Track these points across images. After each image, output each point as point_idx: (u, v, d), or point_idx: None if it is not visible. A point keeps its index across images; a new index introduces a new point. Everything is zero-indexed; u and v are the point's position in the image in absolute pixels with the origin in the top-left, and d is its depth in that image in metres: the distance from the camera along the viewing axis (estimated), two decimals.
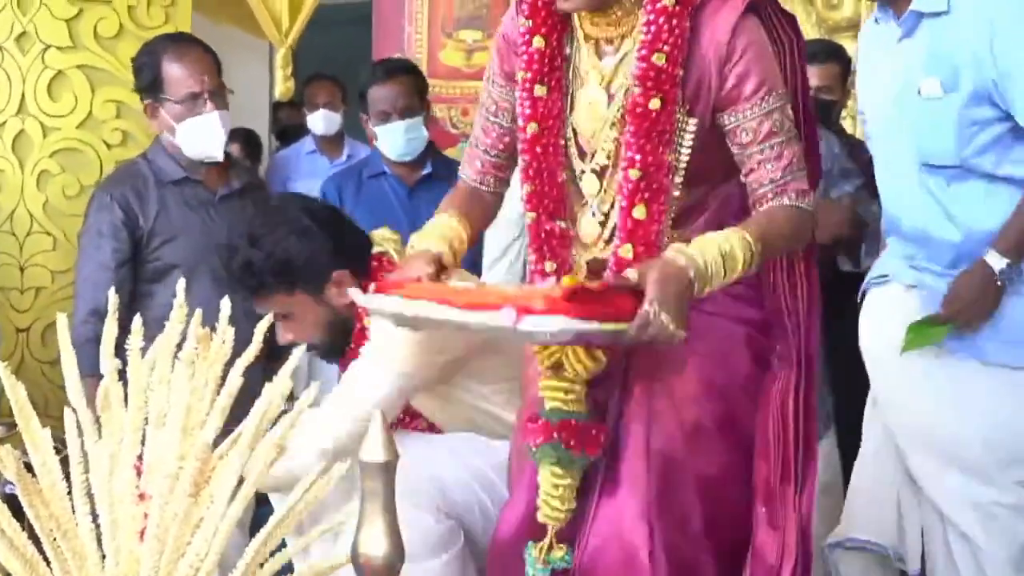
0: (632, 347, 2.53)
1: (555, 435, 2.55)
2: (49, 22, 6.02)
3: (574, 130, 2.60)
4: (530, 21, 2.56)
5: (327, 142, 7.29)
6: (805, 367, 2.69)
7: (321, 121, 7.20)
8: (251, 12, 6.60)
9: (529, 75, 2.58)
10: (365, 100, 5.52)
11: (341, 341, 3.16)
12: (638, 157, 2.46)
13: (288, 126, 9.06)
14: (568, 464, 2.53)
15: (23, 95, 5.97)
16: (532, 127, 2.58)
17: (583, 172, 2.59)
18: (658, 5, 2.46)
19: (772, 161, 2.50)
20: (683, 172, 2.53)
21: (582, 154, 2.62)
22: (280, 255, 3.04)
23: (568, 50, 2.59)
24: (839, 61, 5.10)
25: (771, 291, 2.71)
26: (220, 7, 6.75)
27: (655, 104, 2.45)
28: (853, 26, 5.82)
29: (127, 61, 6.07)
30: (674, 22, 2.44)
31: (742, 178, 2.58)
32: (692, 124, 2.50)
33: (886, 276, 3.62)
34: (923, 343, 3.43)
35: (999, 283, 3.35)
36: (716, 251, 2.41)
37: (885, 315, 3.58)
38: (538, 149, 2.58)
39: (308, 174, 6.98)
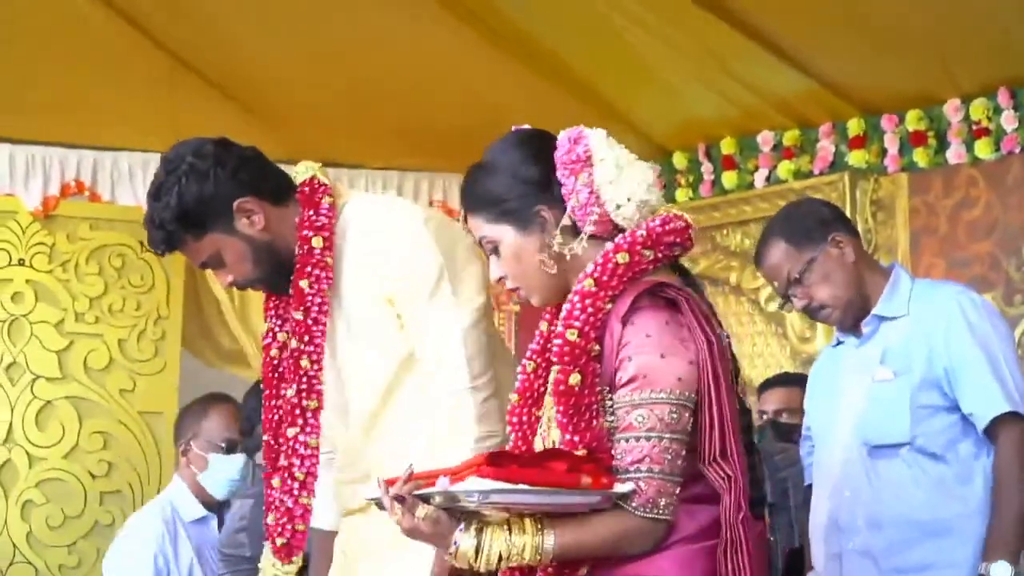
0: None
1: None
2: (39, 353, 6.15)
3: None
4: (548, 313, 2.67)
5: None
6: None
7: None
8: (239, 349, 6.71)
9: (529, 353, 2.64)
10: None
11: (279, 269, 3.07)
12: (576, 438, 2.42)
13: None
14: None
15: (10, 424, 6.03)
16: (514, 397, 2.61)
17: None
18: (577, 287, 2.49)
19: (625, 453, 2.40)
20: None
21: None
22: (175, 203, 3.00)
23: None
24: (802, 386, 5.23)
25: None
26: (207, 346, 6.84)
27: (575, 380, 2.43)
28: None
29: (115, 392, 6.23)
30: (588, 301, 2.45)
31: None
32: (611, 401, 2.45)
33: None
34: None
35: None
36: (500, 547, 2.35)
37: None
38: (514, 419, 2.59)
39: None
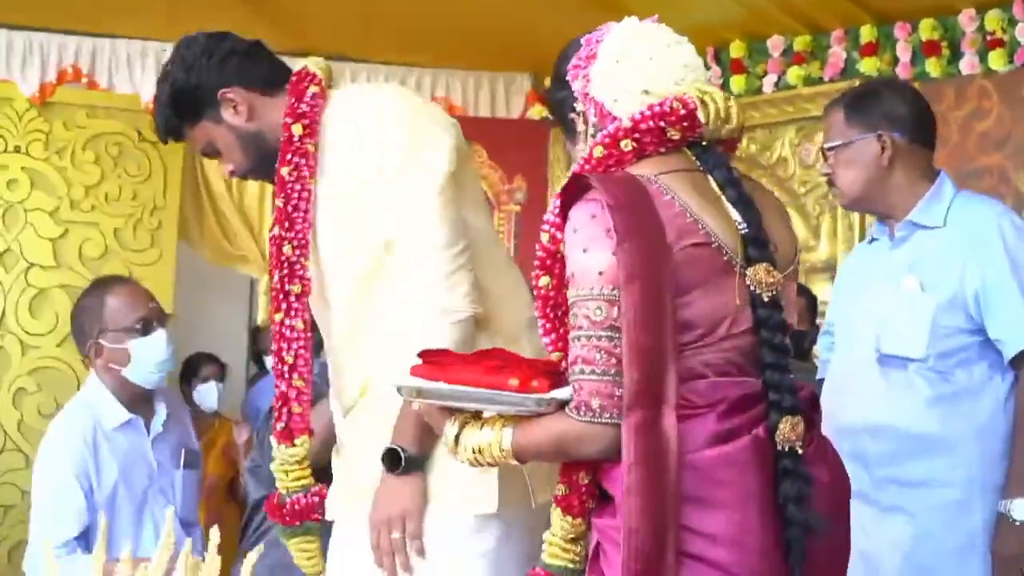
0: None
1: None
2: (34, 240, 6.09)
3: None
4: None
5: None
6: None
7: None
8: (236, 247, 6.66)
9: None
10: None
11: (269, 159, 3.11)
12: (548, 340, 2.44)
13: (264, 350, 9.08)
14: None
15: (3, 311, 5.99)
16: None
17: None
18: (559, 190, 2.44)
19: (569, 355, 2.32)
20: None
21: None
22: (168, 91, 3.12)
23: None
24: (804, 296, 5.24)
25: None
26: (204, 239, 6.76)
27: (544, 282, 2.41)
28: (829, 268, 5.95)
29: None
30: (559, 201, 2.38)
31: None
32: None
33: None
34: None
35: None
36: (472, 441, 2.39)
37: None
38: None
39: None
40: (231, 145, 3.13)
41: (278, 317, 3.06)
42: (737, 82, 6.26)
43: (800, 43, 6.03)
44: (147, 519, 4.00)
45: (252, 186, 6.59)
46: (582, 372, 2.29)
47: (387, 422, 2.91)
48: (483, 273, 2.96)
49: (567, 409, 2.30)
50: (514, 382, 2.30)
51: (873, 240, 3.72)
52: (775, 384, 2.38)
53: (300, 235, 3.04)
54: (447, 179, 2.94)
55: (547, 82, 2.89)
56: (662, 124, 2.39)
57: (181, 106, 3.12)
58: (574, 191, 2.35)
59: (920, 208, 3.53)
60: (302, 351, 3.06)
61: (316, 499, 3.08)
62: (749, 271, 2.36)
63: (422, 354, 2.40)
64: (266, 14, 6.37)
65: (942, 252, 3.47)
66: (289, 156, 3.03)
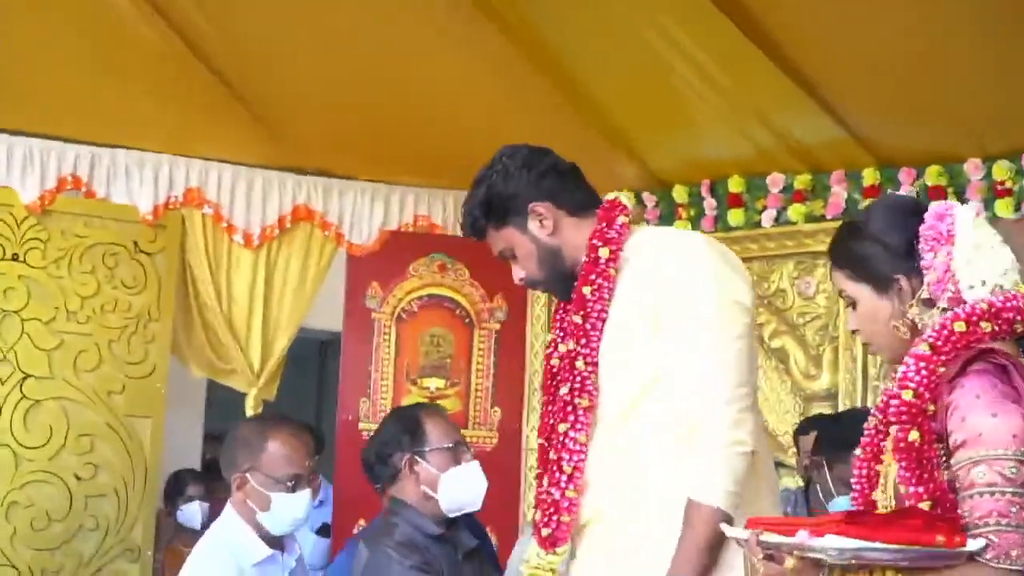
0: None
1: None
2: (29, 351, 6.00)
3: None
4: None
5: None
6: None
7: None
8: (224, 360, 6.56)
9: (872, 410, 2.83)
10: None
11: (562, 275, 3.35)
12: (921, 489, 2.61)
13: (214, 459, 8.93)
14: None
15: None
16: (858, 452, 2.80)
17: None
18: (914, 350, 2.67)
19: (973, 509, 2.54)
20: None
21: None
22: (483, 194, 3.36)
23: None
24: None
25: None
26: (192, 352, 6.64)
27: (914, 436, 2.62)
28: (831, 396, 6.01)
29: (104, 394, 6.09)
30: (923, 364, 2.62)
31: None
32: (946, 457, 2.62)
33: None
34: None
35: None
36: None
37: None
38: (856, 473, 2.79)
39: None
40: (529, 255, 3.36)
41: (563, 428, 3.26)
42: (735, 215, 6.32)
43: (800, 182, 6.10)
44: None
45: (240, 299, 6.53)
46: (998, 524, 2.54)
47: (619, 542, 3.18)
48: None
49: (982, 558, 2.53)
50: (941, 539, 2.50)
51: None
52: None
53: (593, 352, 3.24)
54: (748, 329, 3.16)
55: None
56: (1018, 316, 2.66)
57: (492, 209, 3.36)
58: (967, 361, 2.60)
59: None
60: (580, 463, 3.23)
61: None
62: None
63: (846, 517, 2.53)
64: (265, 129, 6.39)
65: None
66: (593, 276, 3.27)
